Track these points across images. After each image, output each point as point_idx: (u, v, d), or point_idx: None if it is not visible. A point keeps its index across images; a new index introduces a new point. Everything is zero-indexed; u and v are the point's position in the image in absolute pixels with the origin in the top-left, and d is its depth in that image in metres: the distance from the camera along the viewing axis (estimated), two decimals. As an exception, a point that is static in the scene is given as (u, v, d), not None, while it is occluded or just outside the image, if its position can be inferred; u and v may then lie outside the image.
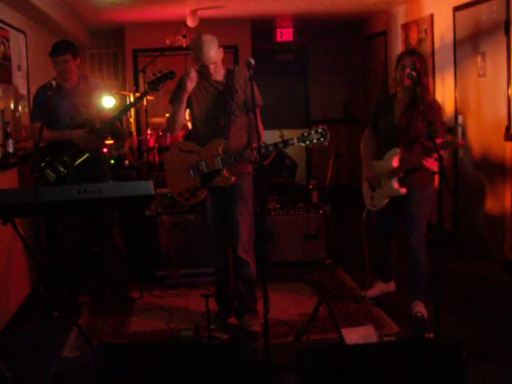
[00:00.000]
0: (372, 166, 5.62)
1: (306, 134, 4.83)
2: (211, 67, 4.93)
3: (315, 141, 4.81)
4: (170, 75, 5.61)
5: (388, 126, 5.46)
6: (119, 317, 5.75)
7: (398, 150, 5.35)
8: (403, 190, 5.36)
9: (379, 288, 6.01)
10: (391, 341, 4.64)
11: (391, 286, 6.01)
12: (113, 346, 3.51)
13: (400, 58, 5.39)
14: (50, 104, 5.60)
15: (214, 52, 4.89)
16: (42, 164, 5.55)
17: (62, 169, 5.60)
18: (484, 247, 7.29)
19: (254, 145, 4.96)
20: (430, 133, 4.91)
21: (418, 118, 5.21)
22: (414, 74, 5.13)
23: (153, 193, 4.20)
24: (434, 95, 5.15)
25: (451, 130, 7.63)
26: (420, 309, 5.39)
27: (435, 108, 5.31)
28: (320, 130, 4.81)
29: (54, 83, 4.99)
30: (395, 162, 5.38)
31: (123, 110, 6.08)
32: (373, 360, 3.13)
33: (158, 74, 5.62)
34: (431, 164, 5.16)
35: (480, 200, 7.31)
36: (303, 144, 4.84)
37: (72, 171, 5.64)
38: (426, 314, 5.33)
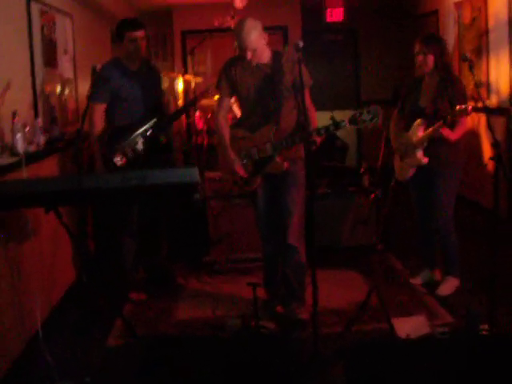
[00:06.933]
0: (399, 137, 5.65)
1: (357, 115, 4.65)
2: (248, 53, 4.77)
3: (368, 122, 4.64)
4: None
5: (414, 109, 5.53)
6: (166, 303, 5.69)
7: (421, 121, 5.37)
8: (425, 160, 5.38)
9: (425, 275, 5.89)
10: (445, 337, 4.47)
11: (437, 275, 5.86)
12: (156, 340, 3.45)
13: (415, 45, 5.51)
14: (117, 85, 5.50)
15: (253, 38, 4.73)
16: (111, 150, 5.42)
17: (130, 154, 5.44)
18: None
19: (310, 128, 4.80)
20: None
21: (445, 100, 5.30)
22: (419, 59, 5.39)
23: (198, 180, 4.08)
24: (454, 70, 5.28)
25: (505, 110, 7.45)
26: (446, 286, 5.60)
27: (457, 85, 5.35)
28: (372, 110, 4.63)
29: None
30: (420, 132, 5.37)
31: (189, 103, 6.03)
32: (426, 358, 3.01)
33: None
34: (450, 133, 5.26)
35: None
36: (355, 126, 4.69)
37: (142, 157, 5.48)
38: (448, 292, 5.57)
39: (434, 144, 5.33)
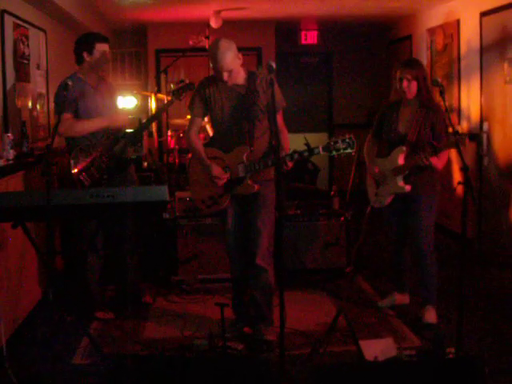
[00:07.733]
0: (376, 163, 5.60)
1: (332, 142, 4.66)
2: (224, 74, 4.77)
3: (341, 151, 4.65)
4: (190, 86, 5.58)
5: (392, 135, 5.47)
6: (133, 322, 5.63)
7: (404, 148, 5.31)
8: (408, 188, 5.34)
9: (393, 298, 5.89)
10: (412, 360, 4.47)
11: (405, 298, 5.87)
12: (122, 358, 3.41)
13: (397, 69, 5.42)
14: (78, 100, 5.44)
15: (228, 60, 4.73)
16: (76, 170, 5.35)
17: (96, 173, 5.39)
18: (508, 257, 7.11)
19: (283, 152, 4.77)
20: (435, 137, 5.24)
21: (427, 127, 5.28)
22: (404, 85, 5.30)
23: (167, 199, 4.07)
24: (436, 98, 5.29)
25: (475, 136, 7.52)
26: (431, 315, 5.44)
27: (439, 113, 5.33)
28: (347, 140, 4.64)
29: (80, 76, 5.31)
30: (401, 160, 5.34)
31: (150, 119, 6.02)
32: (393, 380, 3.01)
33: (180, 84, 5.59)
34: (438, 162, 5.22)
35: (505, 209, 7.14)
36: (329, 153, 4.69)
37: (106, 176, 5.43)
38: (435, 320, 5.41)
39: (414, 171, 5.31)
